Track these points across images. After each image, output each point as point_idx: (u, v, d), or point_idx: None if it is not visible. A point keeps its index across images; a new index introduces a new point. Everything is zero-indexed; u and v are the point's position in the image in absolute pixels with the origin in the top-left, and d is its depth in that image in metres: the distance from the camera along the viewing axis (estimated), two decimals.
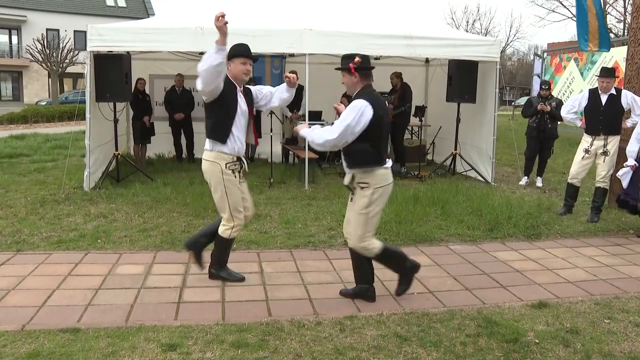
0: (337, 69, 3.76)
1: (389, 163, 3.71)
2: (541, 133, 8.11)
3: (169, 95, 9.55)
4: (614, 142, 6.23)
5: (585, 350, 3.20)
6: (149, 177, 7.83)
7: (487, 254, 5.11)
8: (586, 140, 6.35)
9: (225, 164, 3.88)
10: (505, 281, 4.38)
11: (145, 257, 4.74)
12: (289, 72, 4.22)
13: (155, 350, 3.09)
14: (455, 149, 8.81)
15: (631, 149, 5.64)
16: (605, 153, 6.21)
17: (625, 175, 5.61)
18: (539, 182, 8.37)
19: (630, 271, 4.69)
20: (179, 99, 9.48)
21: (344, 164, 3.74)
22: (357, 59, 3.62)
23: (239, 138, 3.93)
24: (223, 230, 4.02)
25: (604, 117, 6.19)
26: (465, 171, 8.82)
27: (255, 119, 4.35)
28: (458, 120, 8.65)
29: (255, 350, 3.11)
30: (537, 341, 3.30)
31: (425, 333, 3.38)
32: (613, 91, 6.18)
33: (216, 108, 3.86)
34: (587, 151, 6.32)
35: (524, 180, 8.44)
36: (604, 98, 6.20)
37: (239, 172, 3.98)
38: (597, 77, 6.38)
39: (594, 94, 6.31)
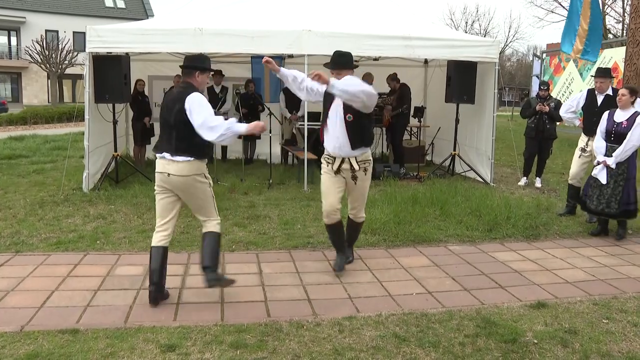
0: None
1: (160, 155, 3.73)
2: (540, 133, 8.11)
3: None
4: None
5: (583, 350, 3.21)
6: (148, 178, 7.81)
7: (486, 254, 5.11)
8: (582, 139, 6.38)
9: (323, 157, 4.45)
10: (504, 281, 4.39)
11: (144, 258, 4.72)
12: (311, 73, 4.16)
13: (154, 351, 3.09)
14: (454, 150, 8.82)
15: (599, 145, 5.61)
16: None
17: (600, 173, 5.55)
18: (537, 183, 8.37)
19: (629, 271, 4.70)
20: None
21: None
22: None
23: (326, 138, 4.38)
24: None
25: (599, 117, 6.19)
26: (464, 172, 8.83)
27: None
28: (457, 121, 8.66)
29: (254, 350, 3.12)
30: (535, 341, 3.31)
31: (423, 333, 3.39)
32: (609, 91, 6.19)
33: None
34: (583, 150, 6.34)
35: (522, 181, 8.45)
36: (600, 98, 6.22)
37: (331, 164, 4.35)
38: (592, 78, 6.39)
39: (591, 94, 6.33)
